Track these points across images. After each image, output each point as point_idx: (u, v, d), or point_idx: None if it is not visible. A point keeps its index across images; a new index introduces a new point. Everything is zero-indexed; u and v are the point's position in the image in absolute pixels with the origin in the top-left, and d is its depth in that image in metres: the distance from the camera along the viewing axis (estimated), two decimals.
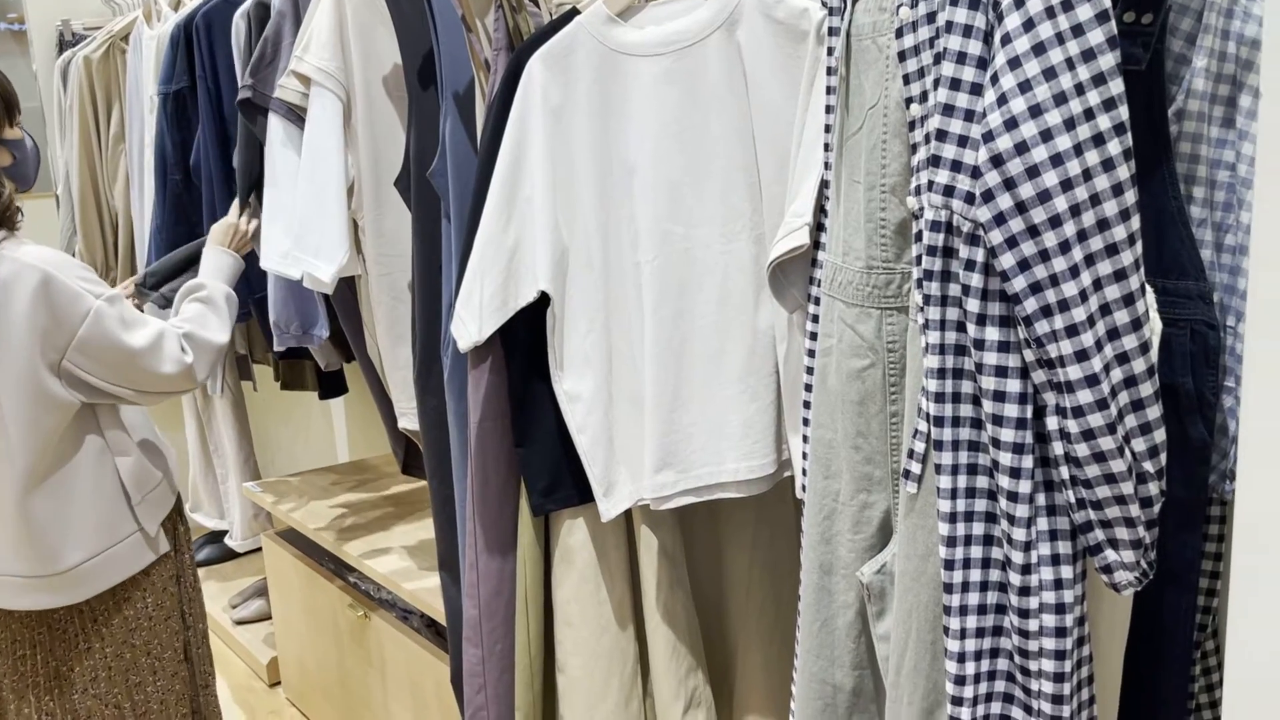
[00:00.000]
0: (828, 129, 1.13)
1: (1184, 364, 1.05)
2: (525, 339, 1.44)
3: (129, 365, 1.67)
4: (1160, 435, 0.85)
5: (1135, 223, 0.82)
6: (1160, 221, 1.03)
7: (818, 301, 1.19)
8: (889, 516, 1.10)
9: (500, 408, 1.47)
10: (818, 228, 1.20)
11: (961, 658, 0.93)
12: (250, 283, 2.13)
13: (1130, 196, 0.82)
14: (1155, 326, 1.00)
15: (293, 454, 3.60)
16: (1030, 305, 0.82)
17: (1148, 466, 0.84)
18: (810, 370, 1.23)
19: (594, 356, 1.41)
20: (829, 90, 1.12)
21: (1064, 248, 0.80)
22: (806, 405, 1.24)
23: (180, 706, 1.90)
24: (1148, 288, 1.00)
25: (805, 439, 1.24)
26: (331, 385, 2.68)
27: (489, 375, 1.46)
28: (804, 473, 1.25)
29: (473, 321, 1.37)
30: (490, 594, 1.54)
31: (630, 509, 1.48)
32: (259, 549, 3.45)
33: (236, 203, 2.02)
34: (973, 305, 0.86)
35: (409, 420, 1.80)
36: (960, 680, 0.93)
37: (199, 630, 1.95)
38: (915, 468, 0.97)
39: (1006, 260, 0.82)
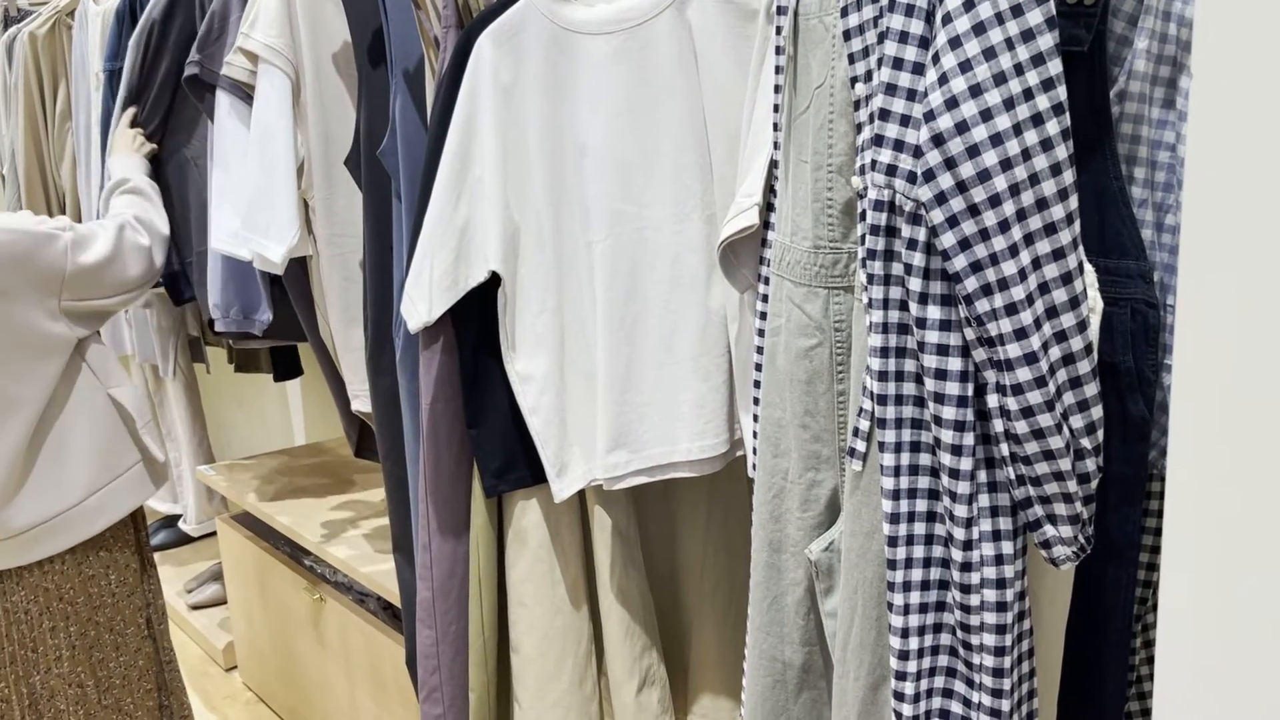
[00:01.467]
0: (776, 109, 1.13)
1: (1125, 342, 1.07)
2: (477, 320, 1.43)
3: (107, 277, 1.71)
4: (1097, 412, 0.86)
5: (1073, 202, 0.83)
6: (1102, 201, 1.05)
7: (767, 281, 1.20)
8: (837, 495, 1.11)
9: (452, 389, 1.47)
10: (767, 208, 1.20)
11: (905, 633, 0.94)
12: (179, 247, 2.11)
13: (1068, 176, 0.82)
14: (1096, 305, 1.02)
15: (248, 437, 3.56)
16: (971, 284, 0.82)
17: (1085, 443, 0.85)
18: (760, 350, 1.23)
19: (546, 337, 1.40)
20: (777, 70, 1.12)
21: (1003, 227, 0.81)
22: (757, 385, 1.24)
23: (144, 681, 1.89)
24: (1088, 266, 1.02)
25: (756, 418, 1.25)
26: (286, 367, 2.65)
27: (440, 356, 1.45)
28: (753, 464, 1.25)
29: (423, 302, 1.36)
30: (444, 575, 1.53)
31: (584, 489, 1.49)
32: (214, 533, 3.42)
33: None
34: (915, 284, 0.87)
35: (362, 402, 1.79)
36: (904, 655, 0.95)
37: (158, 606, 1.94)
38: (860, 445, 0.98)
39: (947, 239, 0.82)
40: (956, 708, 0.96)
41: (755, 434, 1.25)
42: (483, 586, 1.50)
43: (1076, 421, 0.85)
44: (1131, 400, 1.03)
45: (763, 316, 1.22)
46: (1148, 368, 1.03)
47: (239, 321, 1.96)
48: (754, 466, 1.27)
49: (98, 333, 1.80)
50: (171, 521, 3.38)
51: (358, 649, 2.08)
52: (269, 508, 2.31)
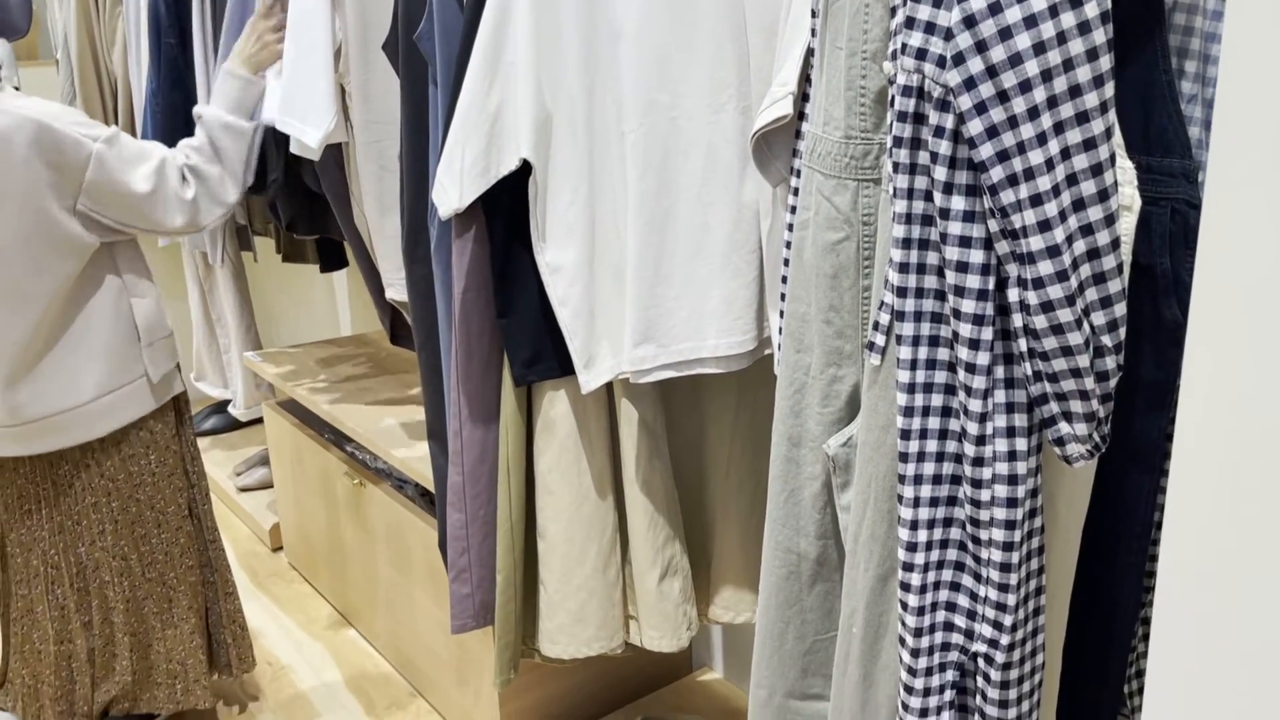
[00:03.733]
0: None
1: (1162, 244, 1.04)
2: (509, 210, 1.43)
3: (135, 209, 1.70)
4: (1120, 309, 0.84)
5: (1109, 90, 0.80)
6: (1148, 95, 1.01)
7: (799, 174, 1.18)
8: (858, 391, 1.11)
9: (483, 278, 1.47)
10: (803, 98, 1.18)
11: (914, 525, 0.95)
12: None
13: (1105, 62, 0.79)
14: (1134, 204, 0.98)
15: (295, 328, 3.62)
16: (996, 173, 0.80)
17: (1105, 340, 0.84)
18: (789, 245, 1.22)
19: (576, 228, 1.40)
20: None
21: (1033, 114, 0.78)
22: (785, 280, 1.23)
23: (186, 559, 1.97)
24: (1128, 163, 0.98)
25: (782, 314, 1.24)
26: (332, 258, 2.68)
27: (472, 245, 1.46)
28: (780, 348, 1.25)
29: (454, 188, 1.36)
30: (474, 461, 1.57)
31: (612, 382, 1.50)
32: (261, 419, 3.52)
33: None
34: (940, 173, 0.84)
35: (396, 291, 1.81)
36: (912, 547, 0.95)
37: (202, 488, 2.00)
38: (880, 340, 0.97)
39: (974, 126, 0.80)
40: (963, 600, 0.97)
41: (781, 330, 1.24)
42: (511, 473, 1.53)
43: (1098, 318, 0.83)
44: (1165, 303, 1.00)
45: (793, 210, 1.20)
46: (1185, 271, 1.01)
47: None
48: (779, 362, 1.26)
49: (135, 242, 1.81)
50: (222, 407, 3.48)
51: (395, 533, 2.14)
52: (313, 395, 2.36)
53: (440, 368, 1.67)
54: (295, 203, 2.15)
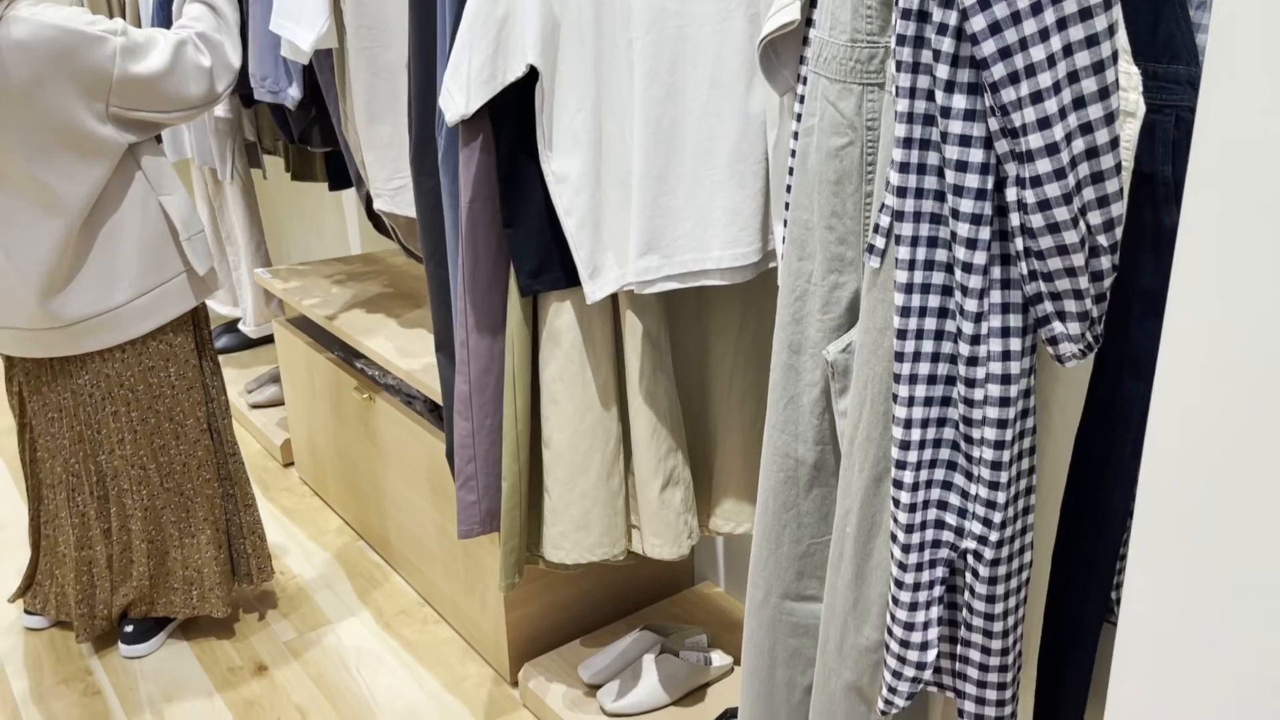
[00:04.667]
0: None
1: (1166, 151, 1.04)
2: (515, 118, 1.43)
3: (161, 91, 1.73)
4: (1117, 209, 0.85)
5: None
6: (1156, 1, 1.00)
7: (804, 81, 1.17)
8: (858, 298, 1.12)
9: (490, 187, 1.48)
10: (810, 4, 1.17)
11: (908, 424, 0.96)
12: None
13: None
14: (1138, 110, 0.98)
15: (305, 247, 3.63)
16: (998, 70, 0.80)
17: (1101, 240, 0.84)
18: (794, 152, 1.22)
19: (583, 136, 1.40)
20: None
21: (1036, 9, 0.78)
22: (789, 190, 1.24)
23: (204, 471, 2.01)
24: (1134, 69, 0.98)
25: (785, 223, 1.25)
26: (341, 176, 2.68)
27: (479, 154, 1.46)
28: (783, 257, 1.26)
29: (460, 94, 1.36)
30: (480, 371, 1.59)
31: (617, 294, 1.51)
32: (272, 336, 3.55)
33: None
34: (942, 71, 0.85)
35: (384, 202, 1.81)
36: (905, 445, 0.97)
37: (221, 403, 2.03)
38: (879, 242, 0.98)
39: (978, 22, 0.80)
40: (954, 499, 0.99)
41: (785, 239, 1.25)
42: (517, 383, 1.55)
43: (1095, 218, 0.84)
44: (1166, 211, 1.01)
45: (799, 118, 1.20)
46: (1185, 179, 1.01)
47: (273, 93, 1.97)
48: (782, 270, 1.27)
49: (157, 139, 1.83)
50: (233, 326, 3.51)
51: (404, 446, 2.18)
52: (324, 311, 2.38)
53: (447, 280, 1.69)
54: (307, 115, 2.15)
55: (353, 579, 2.38)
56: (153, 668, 2.09)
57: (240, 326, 2.97)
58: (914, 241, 0.92)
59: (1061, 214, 0.82)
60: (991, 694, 1.05)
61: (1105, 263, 0.85)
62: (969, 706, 1.06)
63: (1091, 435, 1.11)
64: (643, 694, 1.82)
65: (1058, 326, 0.88)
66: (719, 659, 1.90)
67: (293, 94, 1.96)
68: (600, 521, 1.59)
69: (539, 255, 1.48)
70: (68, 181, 1.69)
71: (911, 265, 0.92)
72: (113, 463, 1.95)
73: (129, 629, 2.12)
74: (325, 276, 2.64)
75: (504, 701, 1.98)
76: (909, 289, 0.93)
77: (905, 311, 0.93)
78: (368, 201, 1.92)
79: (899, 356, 0.95)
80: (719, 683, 1.90)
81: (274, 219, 3.77)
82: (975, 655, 1.03)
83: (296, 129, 2.20)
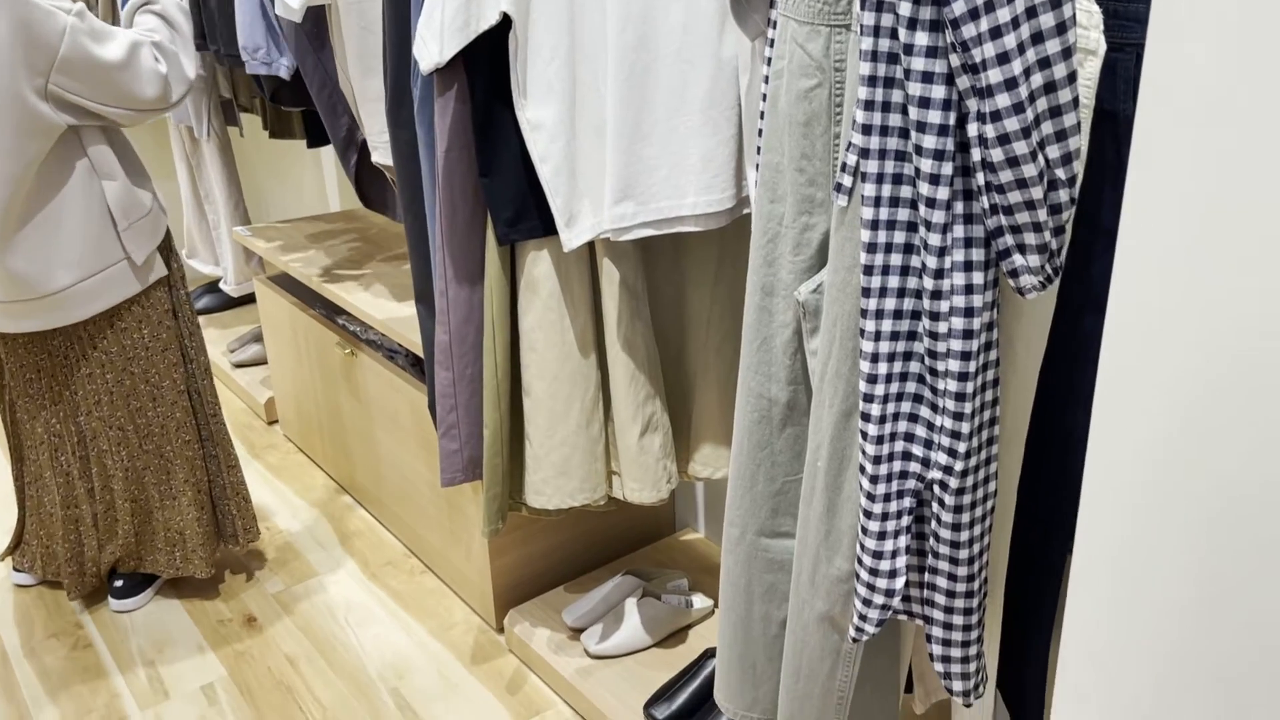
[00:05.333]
0: None
1: (1126, 89, 1.06)
2: (489, 68, 1.44)
3: (109, 82, 1.69)
4: (1075, 143, 0.87)
5: None
6: None
7: (774, 25, 1.19)
8: (828, 239, 1.14)
9: (465, 137, 1.49)
10: None
11: (875, 358, 0.99)
12: None
13: None
14: (1099, 48, 1.00)
15: (284, 206, 3.62)
16: (959, 7, 0.82)
17: (1060, 173, 0.87)
18: (765, 97, 1.23)
19: (557, 85, 1.41)
20: None
21: None
22: (761, 134, 1.25)
23: (182, 433, 2.02)
24: (1094, 8, 1.00)
25: (757, 167, 1.26)
26: (319, 133, 2.67)
27: (454, 104, 1.47)
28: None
29: (434, 42, 1.37)
30: (460, 320, 1.61)
31: (594, 243, 1.53)
32: (253, 295, 3.54)
33: None
34: (904, 8, 0.86)
35: (381, 154, 1.82)
36: (873, 379, 1.00)
37: (201, 364, 2.03)
38: (846, 181, 1.00)
39: None
40: (920, 431, 1.02)
41: (757, 183, 1.27)
42: (496, 331, 1.57)
43: (1053, 151, 0.86)
44: (1128, 149, 1.03)
45: (769, 63, 1.21)
46: None
47: (266, 64, 1.97)
48: (754, 214, 1.29)
49: (104, 129, 1.79)
50: (214, 286, 3.51)
51: (387, 400, 2.20)
52: (305, 268, 2.39)
53: (425, 231, 1.70)
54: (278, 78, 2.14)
55: (339, 533, 2.41)
56: (142, 621, 2.12)
57: (221, 286, 2.97)
58: (879, 178, 0.94)
59: (1020, 148, 0.84)
60: (958, 619, 1.08)
61: (1064, 196, 0.88)
62: (937, 632, 1.10)
63: (1055, 370, 1.14)
64: (625, 636, 1.86)
65: (1018, 259, 0.90)
66: (700, 602, 1.95)
67: (285, 64, 1.95)
68: (581, 467, 1.62)
69: (515, 204, 1.49)
70: (3, 158, 1.66)
71: (877, 202, 0.94)
72: (91, 424, 1.96)
73: (118, 584, 2.14)
74: (305, 234, 2.65)
75: (490, 647, 2.02)
76: (875, 225, 0.95)
77: (871, 248, 0.96)
78: (357, 165, 1.92)
79: (866, 292, 0.97)
80: (700, 625, 1.95)
81: (252, 178, 3.75)
82: (942, 582, 1.07)
83: (268, 89, 2.19)
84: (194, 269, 3.12)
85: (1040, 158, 0.85)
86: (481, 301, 1.59)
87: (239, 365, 3.11)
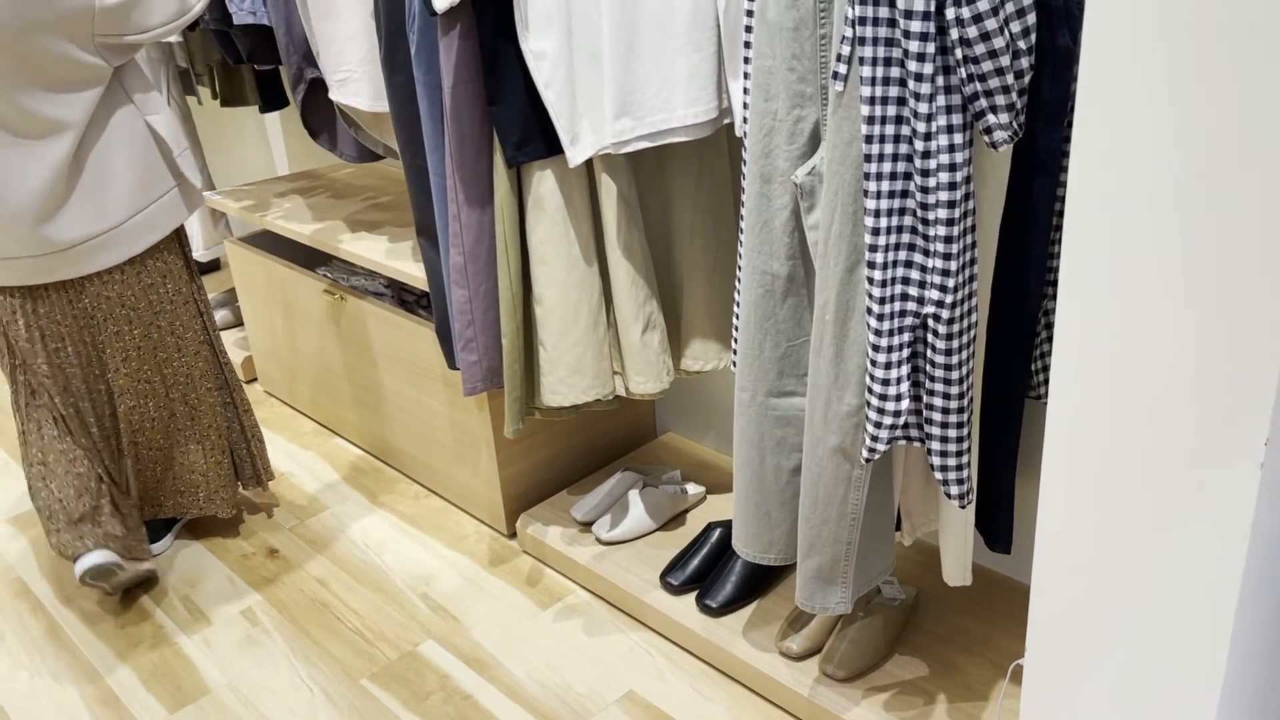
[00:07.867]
0: None
1: None
2: (492, 7, 1.60)
3: (132, 18, 1.81)
4: (1031, 19, 1.09)
5: None
6: None
7: None
8: (818, 127, 1.35)
9: (470, 71, 1.65)
10: None
11: (877, 214, 1.20)
12: None
13: None
14: None
15: (228, 174, 3.68)
16: None
17: (1021, 44, 1.08)
18: (750, 13, 1.42)
19: (555, 17, 1.58)
20: None
21: None
22: (748, 45, 1.45)
23: (205, 380, 2.14)
24: None
25: (747, 75, 1.46)
26: (273, 96, 2.76)
27: (459, 41, 1.63)
28: (745, 118, 1.47)
29: None
30: (473, 241, 1.77)
31: (591, 161, 1.71)
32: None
33: None
34: None
35: (334, 91, 1.95)
36: (876, 231, 1.21)
37: (210, 316, 2.15)
38: (842, 69, 1.20)
39: None
40: (915, 274, 1.24)
41: (746, 90, 1.47)
42: (509, 248, 1.75)
43: (1015, 26, 1.08)
44: (1060, 33, 1.25)
45: None
46: (1074, 4, 1.26)
47: (253, 14, 2.08)
48: (744, 120, 1.49)
49: (135, 61, 1.91)
50: None
51: (383, 337, 2.34)
52: (287, 222, 2.50)
53: (424, 167, 1.85)
54: (255, 34, 2.25)
55: (338, 469, 2.55)
56: (167, 563, 2.24)
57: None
58: (874, 62, 1.14)
59: (991, 24, 1.06)
60: (952, 433, 1.31)
61: (1024, 62, 1.10)
62: (935, 446, 1.33)
63: (1013, 224, 1.37)
64: (632, 523, 2.07)
65: (991, 118, 1.12)
66: (693, 489, 2.16)
67: (254, 6, 2.06)
68: (592, 365, 1.81)
69: (522, 128, 1.66)
70: (66, 108, 1.78)
71: (873, 82, 1.15)
72: (119, 380, 2.05)
73: (142, 530, 2.25)
74: (274, 194, 2.75)
75: (504, 551, 2.20)
76: (873, 101, 1.16)
77: (871, 120, 1.16)
78: (304, 99, 2.04)
79: (867, 158, 1.18)
80: (696, 508, 2.16)
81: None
82: (938, 402, 1.30)
83: (244, 48, 2.29)
84: None
85: (1006, 32, 1.07)
86: (492, 223, 1.76)
87: None
